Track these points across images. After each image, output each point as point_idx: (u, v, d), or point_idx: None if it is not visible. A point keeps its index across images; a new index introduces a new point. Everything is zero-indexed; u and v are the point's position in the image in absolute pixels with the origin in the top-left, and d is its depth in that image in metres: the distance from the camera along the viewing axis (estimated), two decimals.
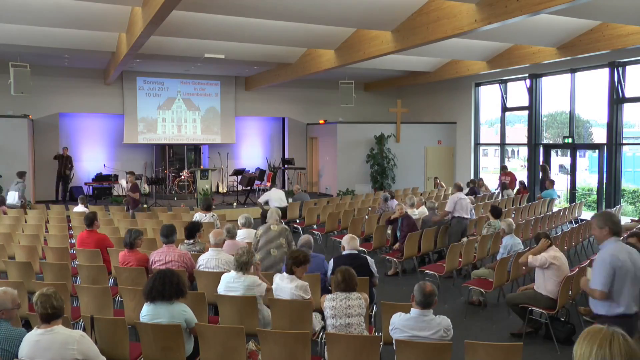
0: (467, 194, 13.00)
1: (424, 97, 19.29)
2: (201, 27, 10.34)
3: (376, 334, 4.60)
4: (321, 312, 5.25)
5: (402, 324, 3.99)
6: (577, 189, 14.55)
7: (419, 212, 9.86)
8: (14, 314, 3.81)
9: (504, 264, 6.69)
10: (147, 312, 4.22)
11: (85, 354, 3.49)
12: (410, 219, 8.76)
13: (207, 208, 9.14)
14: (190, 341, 4.28)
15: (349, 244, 5.79)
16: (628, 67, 13.02)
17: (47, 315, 3.46)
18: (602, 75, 13.49)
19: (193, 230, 6.63)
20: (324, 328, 4.78)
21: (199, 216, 8.90)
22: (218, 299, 4.92)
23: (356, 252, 5.79)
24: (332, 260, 5.84)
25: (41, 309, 3.46)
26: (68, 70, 15.67)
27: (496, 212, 8.55)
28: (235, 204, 14.59)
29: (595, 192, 14.10)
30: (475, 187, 13.89)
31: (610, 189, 13.24)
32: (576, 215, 12.10)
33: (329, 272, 5.75)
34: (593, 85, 14.10)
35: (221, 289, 4.98)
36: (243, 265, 4.91)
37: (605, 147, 13.38)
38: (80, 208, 10.22)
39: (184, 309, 4.25)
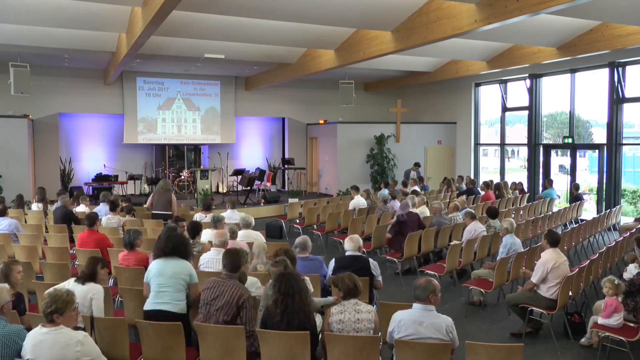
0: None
1: (424, 97, 19.29)
2: (201, 27, 10.34)
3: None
4: (320, 312, 5.26)
5: (405, 314, 4.00)
6: None
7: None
8: (9, 308, 3.87)
9: (504, 264, 6.68)
10: (157, 267, 4.69)
11: (88, 355, 3.50)
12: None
13: (207, 208, 9.14)
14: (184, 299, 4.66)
15: (351, 245, 5.78)
16: (628, 67, 13.02)
17: (49, 313, 3.48)
18: (602, 75, 13.49)
19: (195, 230, 6.63)
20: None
21: (199, 216, 8.89)
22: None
23: (358, 254, 5.77)
24: (333, 260, 5.84)
25: (45, 307, 3.49)
26: (68, 70, 15.66)
27: (492, 213, 8.58)
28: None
29: (595, 192, 14.10)
30: (475, 187, 13.88)
31: (610, 189, 13.25)
32: (576, 215, 12.10)
33: (330, 272, 5.75)
34: (593, 85, 14.11)
35: None
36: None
37: (605, 147, 13.38)
38: (81, 208, 10.21)
39: (190, 266, 4.79)
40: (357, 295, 4.18)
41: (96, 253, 6.71)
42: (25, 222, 9.99)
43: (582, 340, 5.73)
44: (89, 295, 4.44)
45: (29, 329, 3.69)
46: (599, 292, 7.11)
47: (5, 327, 3.61)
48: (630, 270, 6.11)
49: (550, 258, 5.83)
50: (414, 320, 3.93)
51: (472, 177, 15.69)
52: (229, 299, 4.25)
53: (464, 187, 14.43)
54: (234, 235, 6.72)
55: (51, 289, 3.64)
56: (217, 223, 7.24)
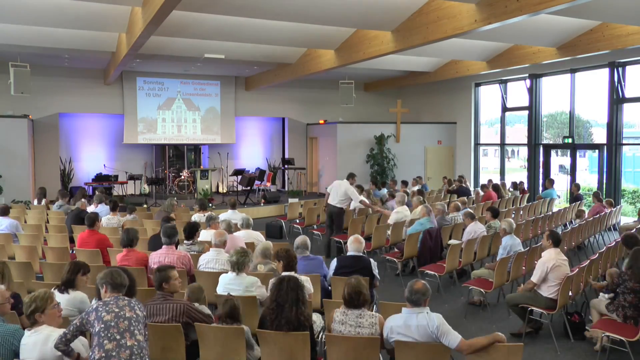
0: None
1: (424, 97, 19.29)
2: (201, 27, 10.33)
3: None
4: (320, 312, 5.27)
5: (394, 321, 3.96)
6: None
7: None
8: (7, 309, 3.89)
9: (504, 264, 6.68)
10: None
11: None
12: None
13: (203, 208, 9.19)
14: None
15: (353, 245, 5.78)
16: (628, 67, 13.03)
17: (31, 313, 3.52)
18: (602, 75, 13.50)
19: (192, 230, 6.64)
20: (323, 328, 4.78)
21: (197, 217, 8.89)
22: (218, 299, 4.92)
23: (360, 254, 5.78)
24: (334, 260, 5.85)
25: (25, 308, 3.54)
26: (68, 70, 15.66)
27: (494, 212, 8.57)
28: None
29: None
30: (464, 186, 13.82)
31: (610, 189, 13.25)
32: (576, 215, 12.07)
33: (331, 272, 5.75)
34: (593, 85, 14.11)
35: (220, 290, 4.99)
36: (236, 265, 4.93)
37: (605, 147, 13.38)
38: (92, 208, 10.15)
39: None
40: (362, 306, 4.04)
41: (96, 253, 6.74)
42: (25, 222, 9.99)
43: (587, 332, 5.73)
44: (76, 303, 4.36)
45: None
46: (599, 292, 7.12)
47: (1, 327, 3.62)
48: None
49: (550, 257, 5.83)
50: (400, 325, 3.91)
51: (462, 175, 15.57)
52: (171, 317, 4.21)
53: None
54: (230, 230, 6.72)
55: (31, 293, 3.66)
56: (210, 221, 7.30)
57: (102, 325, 3.39)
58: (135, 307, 3.58)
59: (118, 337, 3.37)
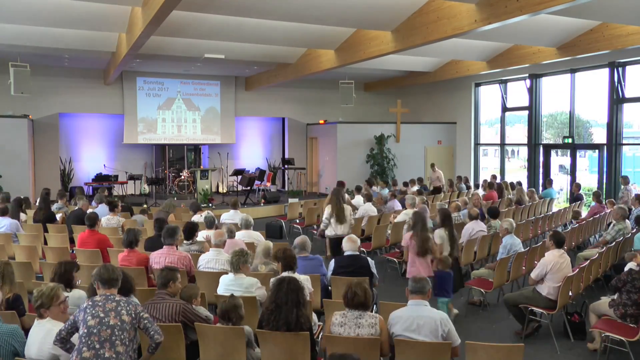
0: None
1: (424, 97, 19.29)
2: (201, 27, 10.34)
3: None
4: (320, 312, 5.26)
5: (400, 311, 4.06)
6: None
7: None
8: None
9: (504, 264, 6.68)
10: None
11: (60, 351, 3.51)
12: None
13: (196, 210, 9.20)
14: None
15: (350, 245, 5.79)
16: (628, 67, 13.03)
17: (37, 308, 3.59)
18: (602, 75, 13.50)
19: (192, 230, 6.65)
20: (323, 328, 4.78)
21: (197, 217, 8.89)
22: (218, 299, 4.92)
23: (357, 253, 5.78)
24: (332, 260, 5.84)
25: (33, 302, 3.62)
26: (68, 70, 15.66)
27: (493, 213, 8.57)
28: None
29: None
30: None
31: (610, 189, 13.25)
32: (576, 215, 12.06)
33: (329, 272, 5.75)
34: (593, 85, 14.11)
35: (221, 291, 4.98)
36: (231, 265, 4.95)
37: (605, 147, 13.39)
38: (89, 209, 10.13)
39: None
40: (365, 309, 4.01)
41: (96, 253, 6.75)
42: (25, 222, 9.96)
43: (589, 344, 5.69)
44: (74, 300, 4.32)
45: (29, 329, 3.70)
46: (598, 292, 7.12)
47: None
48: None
49: (551, 259, 5.83)
50: (409, 315, 4.00)
51: (472, 177, 15.62)
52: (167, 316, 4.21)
53: (463, 187, 14.43)
54: (232, 235, 6.73)
55: (43, 286, 3.72)
56: (210, 225, 7.29)
57: (85, 330, 3.41)
58: (123, 311, 3.53)
59: (97, 346, 3.38)
